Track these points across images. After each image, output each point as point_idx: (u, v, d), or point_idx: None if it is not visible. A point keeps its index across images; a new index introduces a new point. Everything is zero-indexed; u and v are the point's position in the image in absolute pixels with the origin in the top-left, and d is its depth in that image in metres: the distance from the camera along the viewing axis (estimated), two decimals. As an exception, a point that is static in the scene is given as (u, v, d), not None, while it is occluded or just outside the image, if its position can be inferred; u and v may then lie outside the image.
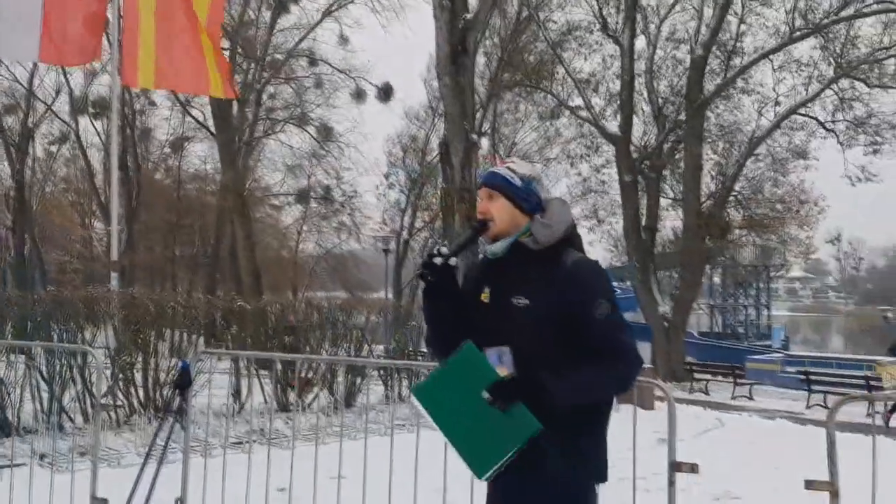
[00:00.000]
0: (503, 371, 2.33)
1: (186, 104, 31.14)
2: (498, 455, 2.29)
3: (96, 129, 33.90)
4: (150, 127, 36.33)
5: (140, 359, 9.48)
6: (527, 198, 2.55)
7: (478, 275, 2.63)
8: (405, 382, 12.47)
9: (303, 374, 10.65)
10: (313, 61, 31.41)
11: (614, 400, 2.51)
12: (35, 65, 27.98)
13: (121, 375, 9.19)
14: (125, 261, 26.00)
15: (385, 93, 31.63)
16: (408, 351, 13.17)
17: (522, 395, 2.28)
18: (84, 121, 33.35)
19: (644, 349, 28.93)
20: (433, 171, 33.06)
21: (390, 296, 31.87)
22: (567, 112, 27.73)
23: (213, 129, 28.83)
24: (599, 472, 2.47)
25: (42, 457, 7.46)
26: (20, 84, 30.67)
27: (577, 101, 26.32)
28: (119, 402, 9.19)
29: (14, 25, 10.04)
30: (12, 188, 30.52)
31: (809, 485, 2.89)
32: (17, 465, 6.03)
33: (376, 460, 4.29)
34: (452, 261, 2.49)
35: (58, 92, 31.69)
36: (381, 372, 12.34)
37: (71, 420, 8.64)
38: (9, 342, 8.17)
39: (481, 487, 3.85)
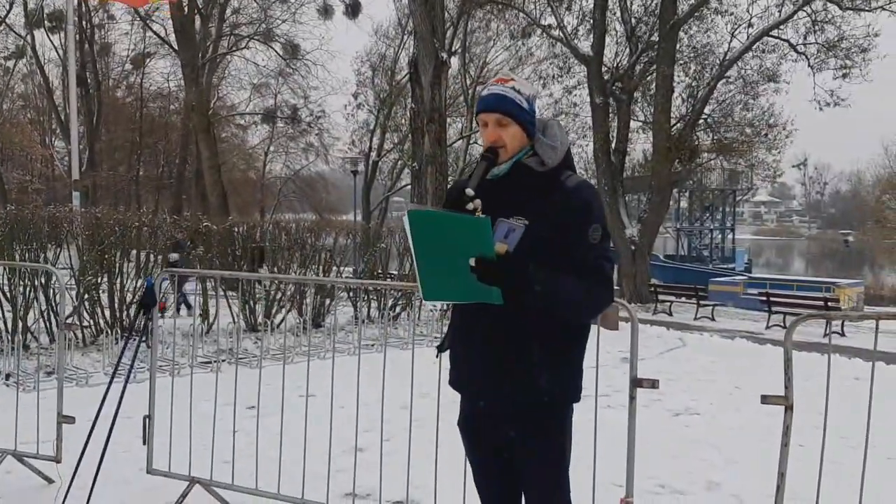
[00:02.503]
0: (502, 247, 2.30)
1: (147, 19, 30.05)
2: (454, 295, 2.37)
3: (53, 44, 32.69)
4: (110, 42, 35.10)
5: (105, 279, 9.39)
6: (532, 121, 2.49)
7: (465, 186, 2.47)
8: (374, 304, 12.55)
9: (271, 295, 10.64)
10: (278, -25, 30.34)
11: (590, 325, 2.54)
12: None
13: (86, 295, 9.11)
14: (87, 180, 25.49)
15: (353, 9, 30.78)
16: (376, 273, 13.20)
17: (506, 278, 2.26)
18: (40, 35, 32.09)
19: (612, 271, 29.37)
20: (402, 90, 32.52)
21: (359, 218, 31.75)
22: (539, 31, 27.24)
23: (175, 45, 27.91)
24: (577, 393, 2.52)
25: (7, 377, 7.44)
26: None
27: (550, 19, 25.84)
28: (85, 323, 9.14)
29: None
30: (-33, 105, 29.50)
31: (765, 399, 2.96)
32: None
33: (343, 379, 4.33)
34: (477, 202, 2.36)
35: (11, 4, 30.34)
36: (350, 293, 12.38)
37: (36, 340, 8.59)
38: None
39: (447, 404, 3.92)
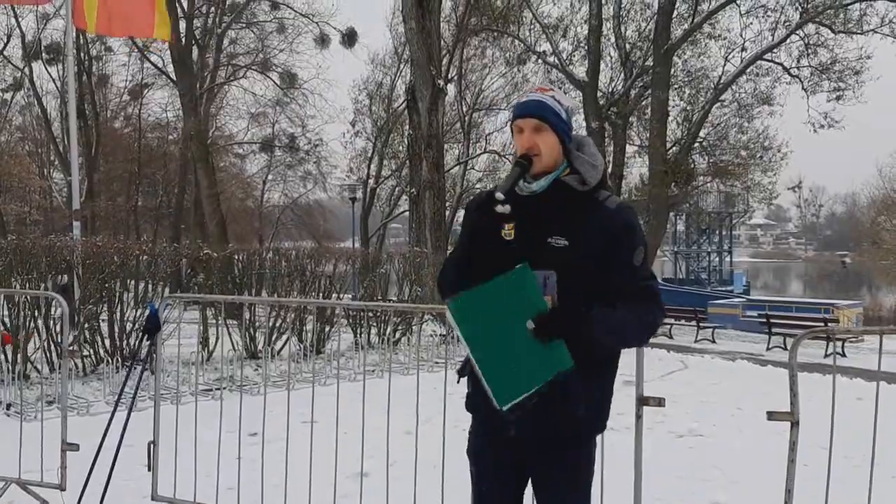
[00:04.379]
0: (548, 298, 2.24)
1: (144, 50, 30.28)
2: (525, 387, 2.18)
3: (51, 76, 32.84)
4: (108, 73, 35.32)
5: (105, 308, 9.39)
6: (568, 132, 2.42)
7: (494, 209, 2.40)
8: (374, 330, 12.54)
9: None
10: (275, 5, 30.67)
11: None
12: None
13: (86, 325, 9.10)
14: (86, 211, 25.51)
15: (349, 38, 31.03)
16: (376, 298, 13.20)
17: (569, 329, 2.21)
18: (38, 67, 32.29)
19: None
20: (400, 117, 32.70)
21: (357, 244, 31.77)
22: (534, 58, 27.50)
23: (172, 75, 28.10)
24: (605, 421, 2.46)
25: (9, 406, 7.42)
26: (-31, 28, 29.54)
27: (545, 46, 26.12)
28: (86, 352, 9.12)
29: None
30: (-34, 137, 29.64)
31: (771, 416, 2.97)
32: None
33: (346, 405, 4.33)
34: (506, 208, 2.29)
35: (9, 37, 30.59)
36: (350, 319, 12.37)
37: (37, 370, 8.56)
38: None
39: (452, 430, 3.92)
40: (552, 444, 2.36)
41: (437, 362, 10.76)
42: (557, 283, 2.28)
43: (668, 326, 21.46)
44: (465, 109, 34.30)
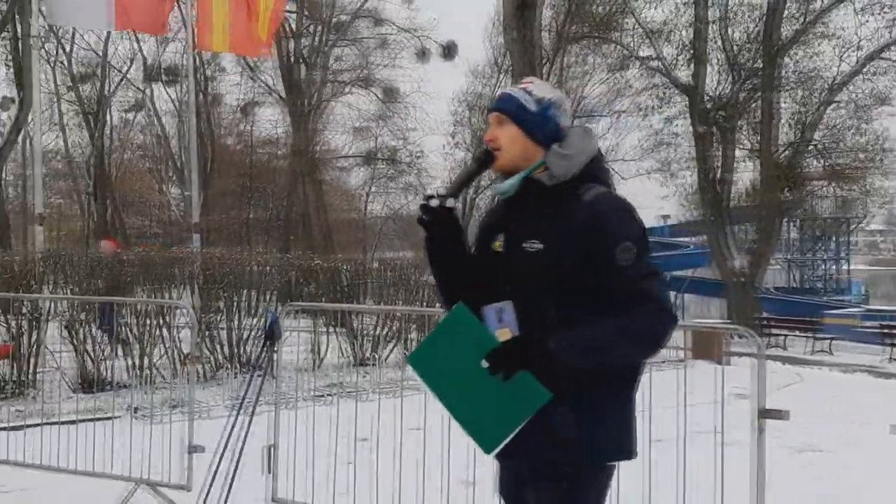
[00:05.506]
0: (504, 332, 2.02)
1: (255, 69, 31.58)
2: (504, 429, 1.99)
3: (169, 96, 34.72)
4: (221, 93, 36.99)
5: (223, 317, 9.84)
6: (541, 125, 2.16)
7: (492, 221, 2.27)
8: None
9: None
10: (378, 21, 31.40)
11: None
12: (109, 34, 28.66)
13: (206, 332, 9.56)
14: (202, 224, 26.78)
15: (449, 51, 31.39)
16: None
17: (527, 360, 1.95)
18: (157, 88, 34.18)
19: (718, 305, 28.44)
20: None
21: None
22: (637, 63, 27.05)
23: (282, 93, 29.18)
24: (617, 448, 2.09)
25: (136, 410, 7.86)
26: (95, 53, 31.55)
27: (648, 51, 25.63)
28: (205, 358, 9.58)
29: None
30: (92, 156, 31.63)
31: (894, 429, 2.84)
32: (116, 418, 6.39)
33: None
34: (450, 202, 2.14)
35: (131, 60, 32.49)
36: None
37: (162, 376, 9.05)
38: (100, 299, 8.58)
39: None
40: (542, 470, 2.10)
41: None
42: (529, 308, 2.04)
43: (782, 338, 20.61)
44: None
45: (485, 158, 2.20)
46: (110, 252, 11.05)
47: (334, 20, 30.46)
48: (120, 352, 8.78)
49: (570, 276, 2.02)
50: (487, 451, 2.05)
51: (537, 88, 2.22)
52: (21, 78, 22.95)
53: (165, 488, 4.92)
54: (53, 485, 5.22)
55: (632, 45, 25.67)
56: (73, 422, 5.81)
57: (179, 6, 17.64)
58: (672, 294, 31.05)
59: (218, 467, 4.31)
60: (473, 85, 37.74)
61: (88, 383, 8.77)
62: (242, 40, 11.05)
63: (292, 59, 27.06)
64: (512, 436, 2.00)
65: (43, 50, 21.24)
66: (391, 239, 41.22)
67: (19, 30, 23.40)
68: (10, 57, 24.80)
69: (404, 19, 31.22)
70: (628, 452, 2.13)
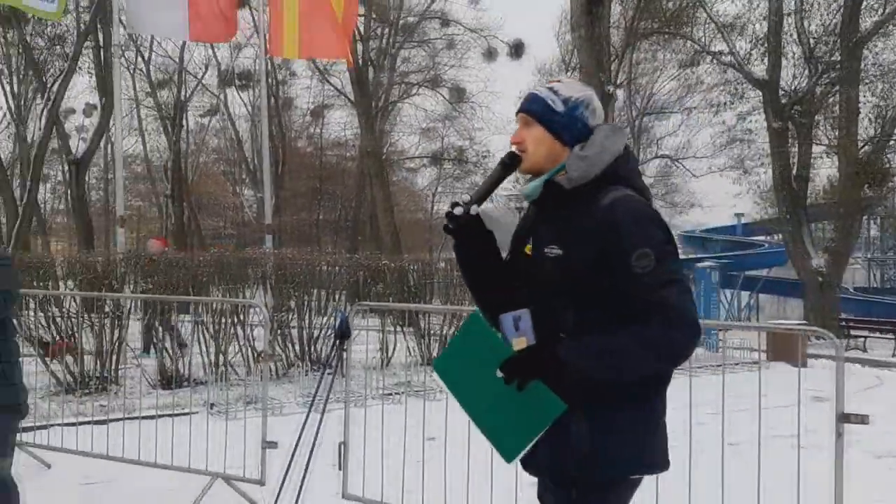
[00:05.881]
0: (520, 341, 2.00)
1: (325, 73, 32.13)
2: (523, 439, 1.99)
3: (242, 101, 35.59)
4: (292, 97, 37.74)
5: (295, 316, 10.05)
6: (568, 126, 2.10)
7: (524, 225, 2.24)
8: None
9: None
10: (445, 22, 31.57)
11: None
12: (185, 41, 29.54)
13: (278, 331, 9.78)
14: (275, 225, 27.39)
15: (516, 50, 31.31)
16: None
17: (539, 369, 1.92)
18: (231, 93, 35.10)
19: (795, 306, 27.54)
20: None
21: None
22: (709, 58, 26.45)
23: (351, 95, 29.60)
24: (635, 461, 2.02)
25: (212, 405, 8.10)
26: (172, 60, 32.57)
27: (721, 45, 25.03)
28: (278, 356, 9.80)
29: (156, 2, 10.70)
30: (170, 159, 32.66)
31: None
32: (193, 413, 6.60)
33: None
34: (473, 209, 2.10)
35: (206, 66, 33.42)
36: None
37: (236, 373, 9.30)
38: (179, 298, 8.87)
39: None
40: (560, 481, 2.06)
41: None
42: (549, 316, 2.00)
43: (863, 339, 19.86)
44: (634, 114, 33.59)
45: (510, 161, 2.15)
46: (158, 250, 11.36)
47: (402, 22, 30.76)
48: (196, 350, 9.05)
49: (587, 281, 1.97)
50: (508, 460, 2.04)
51: (565, 88, 2.16)
52: (104, 85, 23.89)
53: (241, 482, 5.06)
54: (135, 477, 5.43)
55: (703, 39, 25.10)
56: (152, 417, 6.03)
57: (252, 13, 18.10)
58: (745, 294, 30.24)
59: (291, 463, 4.42)
60: (540, 83, 37.60)
61: (167, 380, 9.08)
62: (317, 44, 11.26)
63: (360, 62, 27.44)
64: (530, 446, 2.00)
65: (123, 58, 22.03)
66: (457, 239, 41.29)
67: (101, 39, 24.35)
68: (93, 65, 25.80)
69: (471, 19, 31.36)
70: (650, 466, 2.05)
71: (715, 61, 26.12)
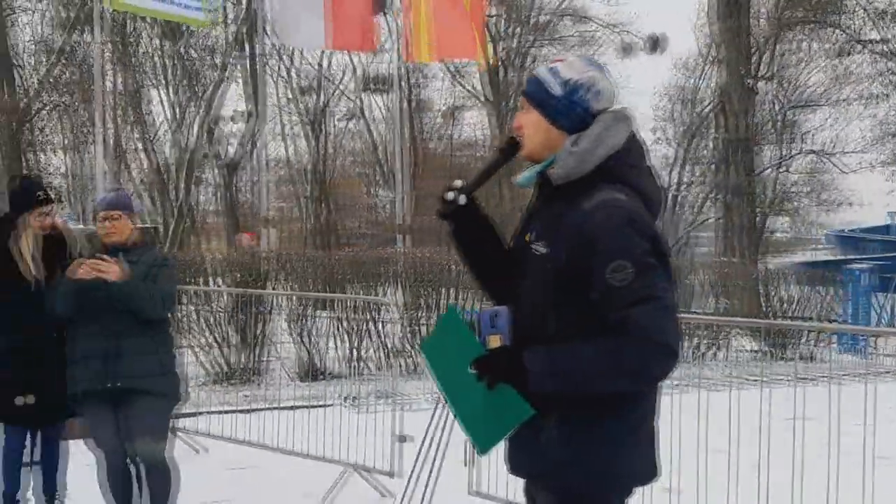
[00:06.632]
0: (495, 339, 1.91)
1: (458, 75, 32.57)
2: (494, 436, 1.96)
3: (378, 105, 36.63)
4: (426, 99, 38.46)
5: (426, 313, 10.28)
6: (566, 111, 1.93)
7: (526, 214, 2.12)
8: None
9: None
10: (579, 19, 31.26)
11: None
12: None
13: (409, 328, 10.03)
14: (409, 225, 28.06)
15: (654, 44, 30.51)
16: (680, 310, 12.84)
17: (506, 373, 1.84)
18: (369, 97, 36.21)
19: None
20: (705, 121, 31.42)
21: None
22: (861, 48, 24.81)
23: (484, 96, 29.86)
24: (612, 473, 1.91)
25: (346, 398, 8.42)
26: (314, 67, 33.93)
27: (874, 34, 23.44)
28: (409, 353, 10.05)
29: (299, 14, 11.18)
30: (310, 162, 34.05)
31: None
32: (328, 406, 6.90)
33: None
34: (461, 199, 2.00)
35: (344, 72, 34.61)
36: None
37: (369, 368, 9.62)
38: (318, 295, 9.29)
39: (767, 449, 3.72)
40: (540, 486, 1.99)
41: (748, 379, 10.17)
42: (528, 315, 1.90)
43: None
44: (778, 108, 31.96)
45: (509, 148, 2.04)
46: (247, 244, 11.77)
47: (534, 20, 30.73)
48: (331, 344, 9.43)
49: (570, 285, 1.85)
50: (480, 452, 2.05)
51: (566, 68, 1.97)
52: (252, 93, 25.28)
53: (374, 473, 5.25)
54: (276, 464, 5.74)
55: (854, 28, 23.58)
56: (293, 407, 6.35)
57: (386, 19, 18.64)
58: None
59: (421, 457, 4.54)
60: (678, 78, 36.50)
61: (306, 372, 9.52)
62: (449, 45, 11.43)
63: (493, 62, 27.63)
64: (501, 442, 1.97)
65: (269, 67, 23.24)
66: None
67: (250, 49, 25.78)
68: (243, 74, 27.37)
69: (605, 15, 30.88)
70: (630, 476, 1.95)
71: (868, 51, 24.50)
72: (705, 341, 12.37)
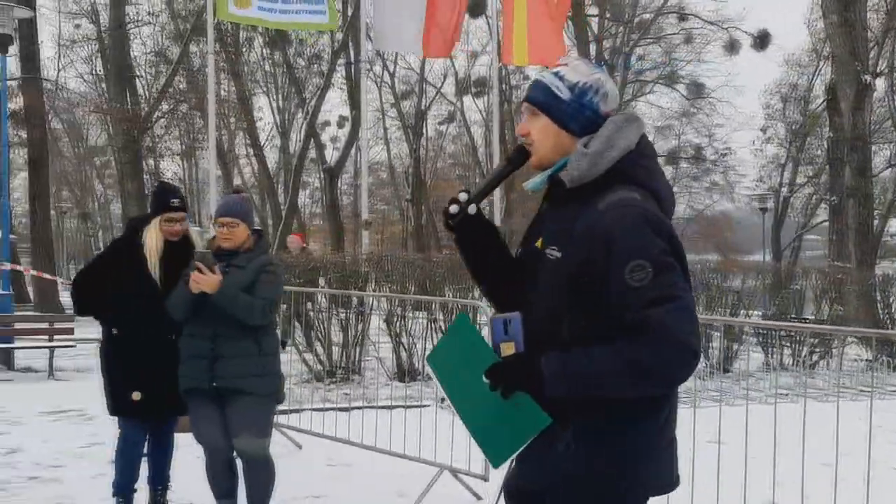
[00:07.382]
0: (509, 346, 1.87)
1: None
2: (509, 448, 1.90)
3: (477, 107, 36.78)
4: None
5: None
6: (576, 115, 1.92)
7: (534, 221, 2.09)
8: (786, 350, 11.71)
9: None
10: (683, 16, 30.50)
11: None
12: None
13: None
14: (505, 227, 28.02)
15: (761, 40, 29.41)
16: (790, 317, 12.32)
17: (522, 380, 1.80)
18: (467, 100, 36.42)
19: None
20: (817, 119, 30.08)
21: (768, 257, 29.88)
22: None
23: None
24: (628, 483, 1.86)
25: (442, 400, 8.48)
26: (414, 71, 34.42)
27: None
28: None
29: (397, 20, 11.34)
30: (410, 165, 34.52)
31: None
32: (424, 406, 6.97)
33: (757, 428, 4.17)
34: (471, 209, 1.98)
35: (444, 76, 34.94)
36: (760, 338, 11.74)
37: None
38: (416, 297, 9.40)
39: (878, 466, 3.52)
40: (553, 498, 1.92)
41: (861, 390, 9.67)
42: (541, 321, 1.85)
43: None
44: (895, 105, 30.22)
45: (517, 156, 2.01)
46: (297, 246, 11.88)
47: (636, 19, 30.19)
48: (428, 346, 9.52)
49: (585, 289, 1.81)
50: (494, 465, 1.97)
51: (572, 71, 1.95)
52: (354, 98, 25.87)
53: (466, 476, 5.27)
54: (372, 462, 5.85)
55: None
56: (389, 407, 6.45)
57: (487, 20, 18.69)
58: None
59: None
60: (788, 75, 35.05)
61: (403, 372, 9.66)
62: (541, 49, 11.37)
63: (594, 62, 27.35)
64: (516, 454, 1.90)
65: (371, 72, 23.75)
66: (694, 241, 39.65)
67: (352, 56, 26.39)
68: (345, 80, 28.04)
69: (710, 11, 30.02)
70: (646, 487, 1.90)
71: None
72: (817, 350, 11.85)
